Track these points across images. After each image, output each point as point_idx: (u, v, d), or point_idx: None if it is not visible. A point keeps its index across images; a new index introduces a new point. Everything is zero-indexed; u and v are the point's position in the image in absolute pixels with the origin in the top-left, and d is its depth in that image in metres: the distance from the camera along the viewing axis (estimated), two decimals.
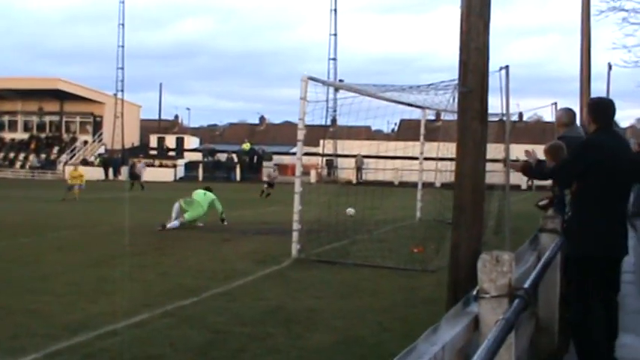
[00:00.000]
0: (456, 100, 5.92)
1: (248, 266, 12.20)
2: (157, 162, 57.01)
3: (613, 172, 5.52)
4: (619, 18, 18.66)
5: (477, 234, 5.62)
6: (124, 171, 50.42)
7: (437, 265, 11.41)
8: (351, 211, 17.70)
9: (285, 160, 53.55)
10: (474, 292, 3.56)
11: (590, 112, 5.95)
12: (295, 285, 10.62)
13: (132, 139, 64.61)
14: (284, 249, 13.45)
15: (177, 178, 55.14)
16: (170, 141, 63.46)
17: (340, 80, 39.11)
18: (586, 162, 5.60)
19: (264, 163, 53.97)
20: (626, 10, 18.47)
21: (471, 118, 5.54)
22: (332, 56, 61.73)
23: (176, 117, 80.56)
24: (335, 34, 61.70)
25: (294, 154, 26.51)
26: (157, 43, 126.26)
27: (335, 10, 61.46)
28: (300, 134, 13.56)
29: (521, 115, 55.17)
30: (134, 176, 41.52)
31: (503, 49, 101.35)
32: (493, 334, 2.96)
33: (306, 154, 16.23)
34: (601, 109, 5.93)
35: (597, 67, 46.50)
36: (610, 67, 26.58)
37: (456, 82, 5.88)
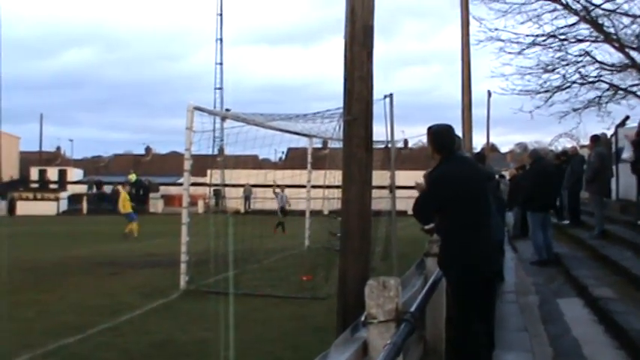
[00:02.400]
0: (342, 128, 5.97)
1: (136, 300, 11.88)
2: (38, 195, 54.84)
3: (467, 199, 5.50)
4: (496, 48, 19.65)
5: (365, 260, 5.67)
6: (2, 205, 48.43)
7: (326, 293, 11.46)
8: None
9: (172, 190, 52.70)
10: (363, 318, 3.59)
11: (432, 143, 5.72)
12: (184, 317, 10.43)
13: (11, 171, 62.04)
14: (172, 281, 13.21)
15: (60, 211, 53.17)
16: (52, 173, 61.44)
17: (227, 109, 38.92)
18: (438, 198, 5.53)
19: (151, 195, 53.16)
20: (503, 40, 19.47)
21: (357, 145, 5.61)
22: (218, 85, 61.54)
23: (58, 148, 77.99)
24: (221, 64, 61.50)
25: (180, 184, 26.01)
26: (38, 73, 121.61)
27: (221, 40, 61.40)
28: (187, 164, 13.44)
29: (406, 141, 56.55)
30: None
31: (389, 77, 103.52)
32: (381, 359, 3.00)
33: (194, 184, 16.05)
34: (442, 138, 5.72)
35: (478, 94, 48.39)
36: (489, 94, 27.67)
37: (342, 110, 5.94)
